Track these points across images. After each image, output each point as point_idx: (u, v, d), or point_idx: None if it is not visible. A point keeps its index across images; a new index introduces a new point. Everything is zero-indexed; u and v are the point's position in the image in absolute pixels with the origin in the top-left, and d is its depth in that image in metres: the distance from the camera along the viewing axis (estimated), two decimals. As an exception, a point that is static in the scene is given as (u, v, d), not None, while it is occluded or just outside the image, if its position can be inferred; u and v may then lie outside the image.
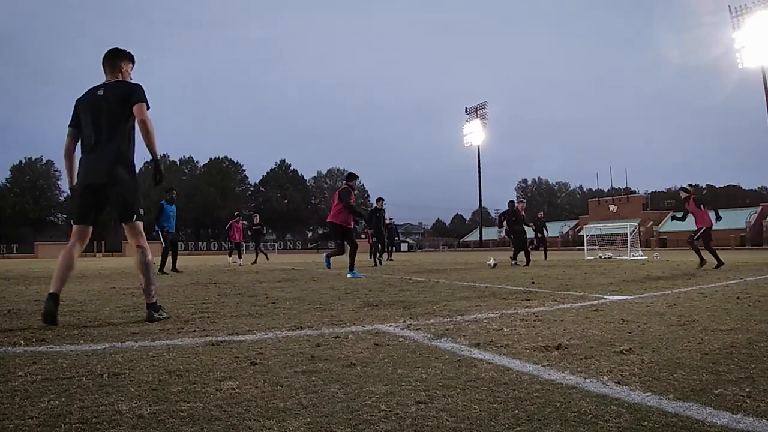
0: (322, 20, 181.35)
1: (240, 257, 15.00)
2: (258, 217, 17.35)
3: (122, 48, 3.57)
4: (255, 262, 15.70)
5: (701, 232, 8.66)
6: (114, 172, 3.24)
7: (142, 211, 3.40)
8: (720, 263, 8.28)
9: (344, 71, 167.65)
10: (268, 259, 17.59)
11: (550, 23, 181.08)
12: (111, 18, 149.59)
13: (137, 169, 3.43)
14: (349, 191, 8.30)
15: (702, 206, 8.82)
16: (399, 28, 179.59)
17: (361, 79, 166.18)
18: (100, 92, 3.36)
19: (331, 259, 8.72)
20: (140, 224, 3.39)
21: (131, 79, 3.56)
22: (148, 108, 3.30)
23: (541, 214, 16.67)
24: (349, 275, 7.50)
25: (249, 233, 17.25)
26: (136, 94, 3.29)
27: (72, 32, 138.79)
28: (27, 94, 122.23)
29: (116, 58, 3.49)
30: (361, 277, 7.30)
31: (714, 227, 8.68)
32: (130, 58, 3.57)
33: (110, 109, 3.29)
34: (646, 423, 1.32)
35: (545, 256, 14.94)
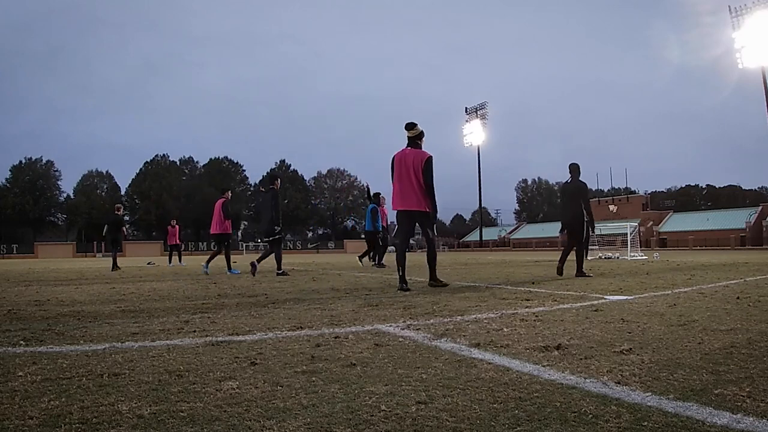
0: (354, 43, 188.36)
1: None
2: None
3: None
4: None
5: None
6: None
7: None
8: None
9: (367, 87, 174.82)
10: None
11: (550, 23, 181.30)
12: (155, 36, 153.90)
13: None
14: None
15: None
16: (419, 49, 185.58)
17: (380, 93, 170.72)
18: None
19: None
20: None
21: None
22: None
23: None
24: None
25: None
26: None
27: (117, 48, 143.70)
28: (66, 103, 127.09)
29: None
30: None
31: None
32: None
33: None
34: (646, 423, 1.32)
35: None
